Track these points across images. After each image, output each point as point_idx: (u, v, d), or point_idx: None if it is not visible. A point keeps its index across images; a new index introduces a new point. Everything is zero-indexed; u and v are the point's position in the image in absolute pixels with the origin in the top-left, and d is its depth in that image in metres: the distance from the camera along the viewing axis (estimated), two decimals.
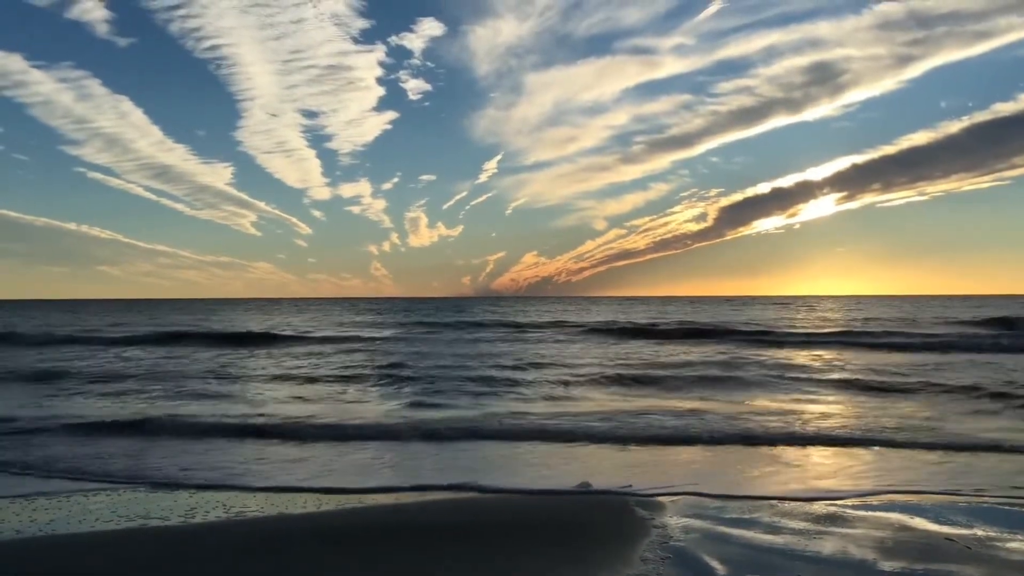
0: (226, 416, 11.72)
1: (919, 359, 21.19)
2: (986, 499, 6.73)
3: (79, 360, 22.24)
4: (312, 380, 17.27)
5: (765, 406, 12.76)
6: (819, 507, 6.43)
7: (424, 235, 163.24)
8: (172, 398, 14.24)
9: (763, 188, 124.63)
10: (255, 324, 44.91)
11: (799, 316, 52.89)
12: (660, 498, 6.73)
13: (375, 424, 11.02)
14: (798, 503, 6.59)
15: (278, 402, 13.76)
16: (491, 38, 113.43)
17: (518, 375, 17.60)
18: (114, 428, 10.72)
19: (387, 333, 36.84)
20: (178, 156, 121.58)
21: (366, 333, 36.33)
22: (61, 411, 12.44)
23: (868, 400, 13.57)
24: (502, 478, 7.68)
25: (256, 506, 6.65)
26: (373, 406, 13.38)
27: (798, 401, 13.41)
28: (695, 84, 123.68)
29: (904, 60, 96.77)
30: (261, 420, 11.33)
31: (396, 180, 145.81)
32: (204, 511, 6.44)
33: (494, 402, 13.46)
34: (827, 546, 5.32)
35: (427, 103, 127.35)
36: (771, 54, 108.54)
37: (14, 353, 24.77)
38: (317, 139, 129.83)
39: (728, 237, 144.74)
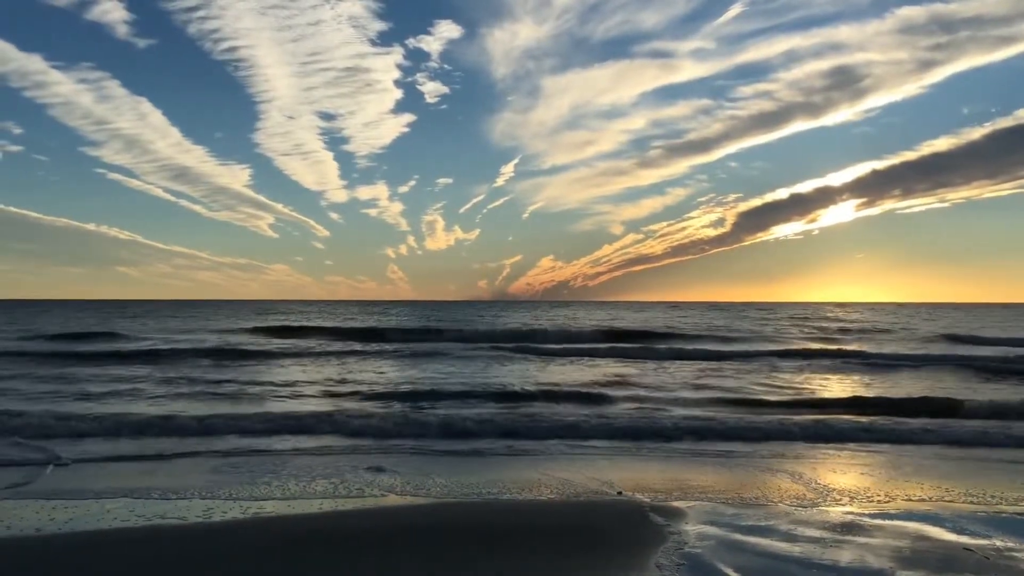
0: None
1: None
2: (1004, 509, 6.68)
3: None
4: None
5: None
6: (836, 516, 6.40)
7: (441, 238, 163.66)
8: None
9: (782, 194, 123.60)
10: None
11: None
12: (676, 503, 6.73)
13: None
14: (815, 511, 6.56)
15: None
16: (508, 41, 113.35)
17: None
18: None
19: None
20: (196, 157, 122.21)
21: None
22: None
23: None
24: None
25: (273, 507, 6.71)
26: None
27: None
28: (714, 88, 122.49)
29: (926, 65, 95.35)
30: None
31: (413, 183, 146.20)
32: (222, 511, 6.50)
33: None
34: (844, 555, 5.30)
35: (444, 106, 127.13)
36: (791, 58, 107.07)
37: None
38: (334, 141, 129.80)
39: (746, 243, 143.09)
